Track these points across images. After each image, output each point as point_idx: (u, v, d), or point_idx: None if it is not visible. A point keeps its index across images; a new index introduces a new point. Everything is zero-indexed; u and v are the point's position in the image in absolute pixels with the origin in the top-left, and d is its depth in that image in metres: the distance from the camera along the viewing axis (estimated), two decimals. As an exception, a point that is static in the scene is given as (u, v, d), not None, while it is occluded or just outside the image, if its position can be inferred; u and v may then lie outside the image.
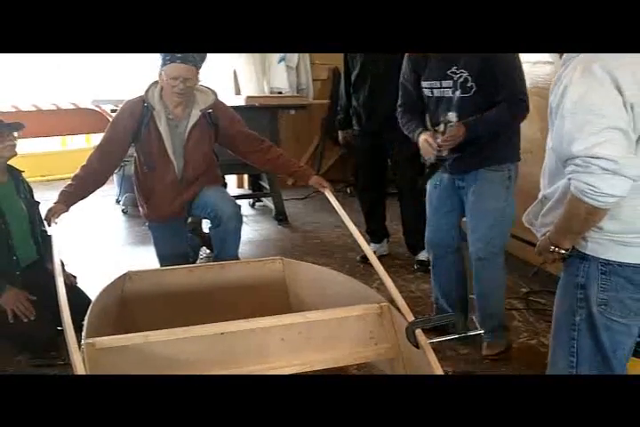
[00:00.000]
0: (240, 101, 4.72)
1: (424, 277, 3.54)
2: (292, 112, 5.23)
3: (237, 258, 3.12)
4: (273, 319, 1.96)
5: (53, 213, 2.72)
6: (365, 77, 3.68)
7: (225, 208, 2.98)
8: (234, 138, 3.07)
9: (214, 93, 3.03)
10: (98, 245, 4.44)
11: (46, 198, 2.91)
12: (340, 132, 4.23)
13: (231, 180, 5.94)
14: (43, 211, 2.98)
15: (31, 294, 2.66)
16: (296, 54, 5.68)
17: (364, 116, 3.75)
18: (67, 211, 2.79)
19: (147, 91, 2.93)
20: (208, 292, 2.68)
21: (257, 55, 5.58)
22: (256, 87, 5.67)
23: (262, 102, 4.74)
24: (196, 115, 2.95)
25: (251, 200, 5.57)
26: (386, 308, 2.04)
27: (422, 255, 3.73)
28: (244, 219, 5.18)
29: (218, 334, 1.89)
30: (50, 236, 2.84)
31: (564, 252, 1.59)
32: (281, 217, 4.99)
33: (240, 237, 3.11)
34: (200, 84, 2.99)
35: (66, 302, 1.99)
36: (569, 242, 1.58)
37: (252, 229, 4.93)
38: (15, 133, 2.76)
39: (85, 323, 1.93)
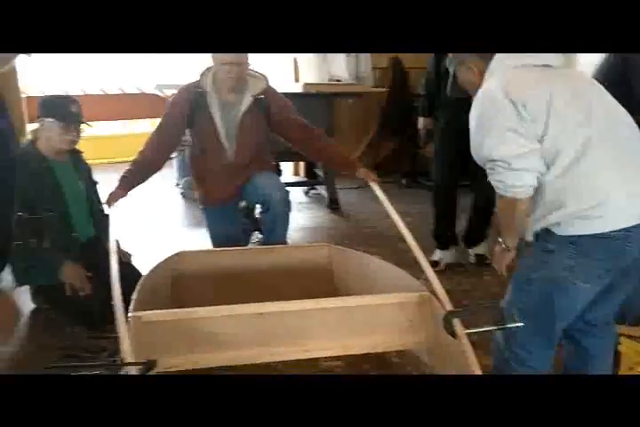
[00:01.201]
0: (298, 88, 4.76)
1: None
2: (351, 100, 5.26)
3: (285, 243, 3.17)
4: (312, 302, 2.00)
5: (113, 197, 2.81)
6: None
7: (274, 194, 3.03)
8: (283, 124, 3.10)
9: (266, 79, 3.07)
10: (155, 226, 4.58)
11: (109, 180, 3.01)
12: (421, 119, 3.82)
13: (287, 167, 6.02)
14: (101, 191, 3.11)
15: (88, 270, 2.78)
16: (356, 42, 5.69)
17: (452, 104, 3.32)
18: (126, 195, 2.87)
19: (200, 76, 2.99)
20: (255, 274, 2.74)
21: (318, 43, 5.62)
22: (316, 75, 5.71)
23: (319, 89, 4.77)
24: (248, 100, 2.99)
25: (305, 188, 5.63)
26: (426, 297, 2.05)
27: (480, 249, 3.68)
28: (298, 206, 5.28)
29: (258, 314, 1.94)
30: (107, 215, 2.96)
31: (504, 246, 1.88)
32: (334, 205, 5.03)
33: (288, 222, 3.15)
34: (252, 69, 3.03)
35: (117, 277, 2.08)
36: (513, 240, 1.87)
37: (305, 217, 4.98)
38: (81, 128, 2.86)
39: (134, 297, 2.02)
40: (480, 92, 1.78)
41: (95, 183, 3.09)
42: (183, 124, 3.05)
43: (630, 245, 1.71)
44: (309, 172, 5.69)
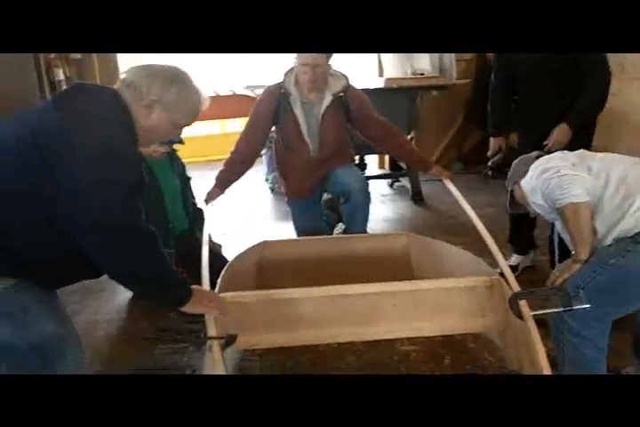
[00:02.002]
0: (380, 83, 4.85)
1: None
2: (435, 93, 5.27)
3: (366, 232, 3.29)
4: (385, 286, 2.11)
5: (210, 196, 3.05)
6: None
7: (354, 185, 3.15)
8: (362, 122, 3.21)
9: (346, 78, 3.18)
10: (246, 219, 4.81)
11: (207, 177, 3.21)
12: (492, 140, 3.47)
13: (372, 160, 6.12)
14: (196, 187, 3.33)
15: (182, 260, 2.95)
16: (440, 36, 5.69)
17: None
18: (222, 194, 3.11)
19: (284, 77, 3.15)
20: (336, 263, 2.87)
21: (401, 38, 5.67)
22: (399, 69, 5.75)
23: (400, 84, 4.83)
24: (328, 99, 3.12)
25: (390, 180, 5.70)
26: (496, 281, 2.11)
27: None
28: (382, 198, 5.38)
29: (334, 296, 2.08)
30: (200, 209, 3.18)
31: (582, 259, 1.99)
32: (417, 197, 5.09)
33: (368, 212, 3.27)
34: (333, 69, 3.16)
35: (207, 265, 2.27)
36: (586, 251, 1.99)
37: (389, 208, 5.08)
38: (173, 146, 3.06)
39: (219, 281, 2.20)
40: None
41: (189, 179, 3.30)
42: (268, 122, 3.22)
43: None
44: (394, 164, 5.76)
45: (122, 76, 1.71)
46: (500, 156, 3.38)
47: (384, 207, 5.11)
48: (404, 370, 2.50)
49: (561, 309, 1.82)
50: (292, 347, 2.66)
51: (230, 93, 7.68)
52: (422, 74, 5.68)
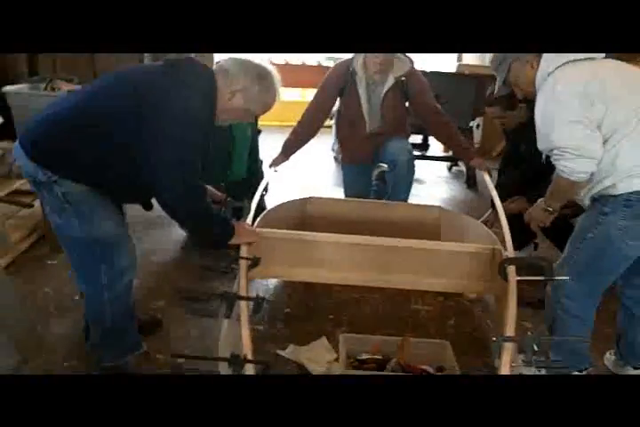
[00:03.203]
0: (452, 68, 5.04)
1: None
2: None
3: (407, 201, 3.55)
4: (397, 241, 2.39)
5: (275, 162, 3.37)
6: None
7: (400, 156, 3.42)
8: (419, 106, 3.46)
9: (411, 62, 3.41)
10: (307, 184, 5.15)
11: (280, 140, 3.49)
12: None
13: (437, 143, 6.30)
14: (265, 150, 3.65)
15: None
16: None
17: None
18: (287, 160, 3.42)
19: (353, 57, 3.42)
20: (372, 225, 3.16)
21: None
22: (478, 56, 5.90)
23: (472, 71, 5.00)
24: (391, 81, 3.36)
25: (449, 164, 5.90)
26: (497, 250, 2.35)
27: None
28: (438, 179, 5.60)
29: (351, 244, 2.38)
30: (260, 160, 3.51)
31: (551, 210, 2.22)
32: (470, 181, 5.29)
33: (411, 184, 3.52)
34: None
35: (256, 204, 2.63)
36: (558, 204, 2.21)
37: (443, 190, 5.31)
38: None
39: (259, 219, 2.55)
40: (543, 91, 2.06)
41: (259, 132, 3.63)
42: (334, 96, 3.51)
43: None
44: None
45: (220, 62, 2.07)
46: None
47: (439, 188, 5.34)
48: (411, 325, 2.80)
49: (542, 277, 2.05)
50: (316, 291, 3.03)
51: (316, 64, 7.98)
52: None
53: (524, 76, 2.18)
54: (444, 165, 5.94)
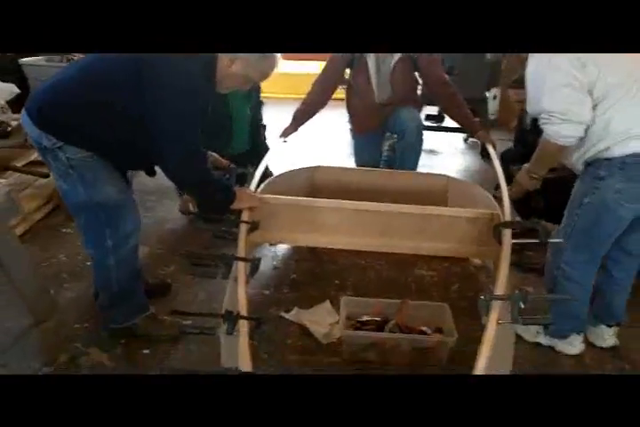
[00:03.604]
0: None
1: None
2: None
3: (415, 170, 3.57)
4: (398, 206, 2.43)
5: (285, 133, 3.39)
6: None
7: (409, 125, 3.43)
8: (426, 77, 3.45)
9: None
10: (322, 153, 5.18)
11: (289, 112, 3.48)
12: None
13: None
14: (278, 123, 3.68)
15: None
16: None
17: None
18: (296, 131, 3.43)
19: None
20: (381, 193, 3.16)
21: None
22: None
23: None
24: (398, 53, 3.36)
25: (465, 135, 5.87)
26: (496, 215, 2.37)
27: None
28: (454, 150, 5.59)
29: (351, 210, 2.43)
30: (264, 126, 3.52)
31: (536, 176, 2.25)
32: (484, 152, 5.25)
33: (419, 153, 3.54)
34: None
35: (261, 173, 2.67)
36: (544, 170, 2.24)
37: (458, 162, 5.30)
38: None
39: (263, 185, 2.60)
40: (534, 55, 2.05)
41: (261, 104, 3.65)
42: (343, 68, 3.52)
43: None
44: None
45: None
46: None
47: (454, 159, 5.34)
48: (415, 289, 2.84)
49: (537, 240, 2.07)
50: (322, 257, 3.08)
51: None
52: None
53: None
54: (460, 136, 5.91)
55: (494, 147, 3.23)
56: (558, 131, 2.01)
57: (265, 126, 3.81)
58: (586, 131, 2.01)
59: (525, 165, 2.29)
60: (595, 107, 1.98)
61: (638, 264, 2.32)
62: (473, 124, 3.50)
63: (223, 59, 2.04)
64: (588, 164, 2.11)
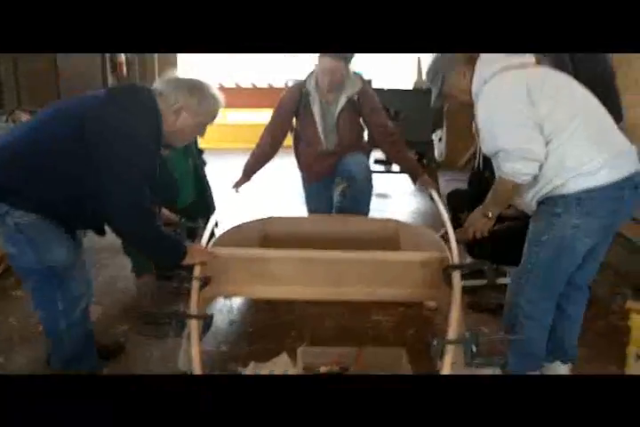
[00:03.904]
0: (410, 85, 5.16)
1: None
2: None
3: (367, 215, 3.63)
4: (349, 254, 2.45)
5: (237, 184, 3.44)
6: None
7: (358, 170, 3.50)
8: (369, 124, 3.56)
9: (362, 81, 3.50)
10: (274, 199, 5.21)
11: (241, 163, 3.55)
12: None
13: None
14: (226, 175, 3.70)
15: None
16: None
17: None
18: (248, 181, 3.48)
19: (307, 78, 3.50)
20: (332, 240, 3.20)
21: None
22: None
23: (427, 86, 5.10)
24: (343, 100, 3.45)
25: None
26: (446, 258, 2.42)
27: None
28: (404, 193, 5.70)
29: (302, 258, 2.44)
30: (207, 183, 3.53)
31: (490, 215, 2.25)
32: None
33: (370, 198, 3.61)
34: (352, 71, 3.49)
35: (210, 231, 2.67)
36: (499, 210, 2.27)
37: (409, 203, 5.40)
38: None
39: (214, 240, 2.60)
40: (482, 97, 2.13)
41: (204, 163, 3.61)
42: (290, 117, 3.59)
43: (623, 205, 2.06)
44: (418, 161, 6.02)
45: (153, 86, 2.14)
46: None
47: (405, 202, 5.45)
48: (372, 335, 2.86)
49: (485, 281, 2.12)
50: (278, 308, 3.08)
51: (267, 87, 8.15)
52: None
53: (457, 86, 2.26)
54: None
55: (438, 191, 3.31)
56: (514, 169, 2.04)
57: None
58: (540, 167, 2.05)
59: (478, 212, 2.32)
60: (548, 142, 2.03)
61: (587, 299, 2.37)
62: (416, 170, 3.59)
63: (167, 114, 2.07)
64: (542, 202, 2.15)
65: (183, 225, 2.53)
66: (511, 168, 2.06)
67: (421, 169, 3.62)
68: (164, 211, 2.49)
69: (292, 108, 3.55)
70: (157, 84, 2.13)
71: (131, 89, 2.13)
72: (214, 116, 2.18)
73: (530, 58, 2.17)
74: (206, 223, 2.73)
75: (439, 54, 2.34)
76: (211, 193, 3.59)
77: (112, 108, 2.02)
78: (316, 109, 3.50)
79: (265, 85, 8.52)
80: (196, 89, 2.11)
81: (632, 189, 2.06)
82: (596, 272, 2.32)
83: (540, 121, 2.03)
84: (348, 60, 3.39)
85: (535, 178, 2.09)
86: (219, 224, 3.34)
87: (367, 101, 3.52)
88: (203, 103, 2.11)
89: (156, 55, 6.08)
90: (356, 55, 3.48)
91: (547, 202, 2.13)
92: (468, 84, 2.19)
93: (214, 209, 3.31)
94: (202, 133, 2.24)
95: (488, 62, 2.14)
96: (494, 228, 2.37)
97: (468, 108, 2.30)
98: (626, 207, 2.09)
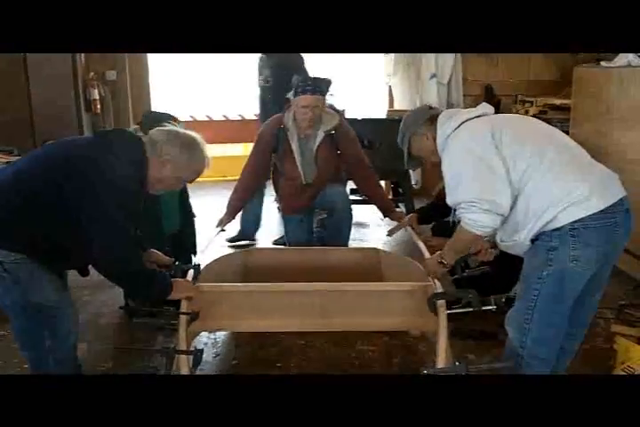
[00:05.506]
0: (383, 114, 5.25)
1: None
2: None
3: (347, 245, 3.66)
4: (333, 285, 2.48)
5: (221, 222, 3.48)
6: None
7: (337, 201, 3.58)
8: (346, 158, 3.65)
9: (339, 116, 3.59)
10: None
11: (223, 195, 3.60)
12: None
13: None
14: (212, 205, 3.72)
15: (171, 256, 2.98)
16: (448, 71, 6.08)
17: None
18: (233, 219, 3.55)
19: (284, 114, 3.57)
20: (314, 271, 3.22)
21: (411, 72, 6.09)
22: (408, 102, 6.15)
23: (400, 115, 5.20)
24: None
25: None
26: (430, 287, 2.46)
27: None
28: (382, 222, 5.73)
29: (286, 291, 2.46)
30: (192, 213, 3.55)
31: (446, 262, 2.31)
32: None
33: (350, 228, 3.67)
34: (328, 106, 3.56)
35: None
36: (453, 258, 2.32)
37: (386, 232, 5.42)
38: None
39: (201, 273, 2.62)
40: (446, 152, 2.18)
41: (188, 196, 3.65)
42: (269, 153, 3.66)
43: (618, 230, 2.06)
44: (394, 190, 6.09)
45: (149, 133, 2.21)
46: None
47: (382, 230, 5.45)
48: (358, 365, 2.86)
49: (470, 309, 2.15)
50: (263, 340, 3.07)
51: (240, 119, 8.25)
52: (431, 107, 6.07)
53: (423, 148, 2.35)
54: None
55: (412, 226, 3.40)
56: (476, 220, 2.04)
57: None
58: (506, 219, 2.07)
59: (437, 253, 2.36)
60: (527, 181, 2.04)
61: (584, 334, 2.34)
62: (388, 207, 3.69)
63: (154, 162, 2.10)
64: (536, 238, 2.10)
65: (178, 267, 2.54)
66: (473, 220, 2.06)
67: (392, 206, 3.75)
68: (157, 253, 2.50)
69: (270, 145, 3.62)
70: (154, 132, 2.19)
71: (118, 133, 2.17)
72: (198, 175, 2.25)
73: (490, 109, 2.25)
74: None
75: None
76: (194, 224, 3.60)
77: (98, 152, 2.05)
78: (294, 145, 3.57)
79: (237, 117, 8.57)
80: (188, 146, 2.17)
81: (624, 213, 2.06)
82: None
83: (508, 165, 2.04)
84: (324, 95, 3.46)
85: (525, 215, 2.07)
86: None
87: (344, 135, 3.61)
88: (190, 161, 2.17)
89: (129, 91, 6.12)
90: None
91: (541, 238, 2.09)
92: (432, 144, 2.26)
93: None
94: (178, 187, 2.31)
95: (448, 120, 2.20)
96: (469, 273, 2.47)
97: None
98: (621, 232, 2.07)
